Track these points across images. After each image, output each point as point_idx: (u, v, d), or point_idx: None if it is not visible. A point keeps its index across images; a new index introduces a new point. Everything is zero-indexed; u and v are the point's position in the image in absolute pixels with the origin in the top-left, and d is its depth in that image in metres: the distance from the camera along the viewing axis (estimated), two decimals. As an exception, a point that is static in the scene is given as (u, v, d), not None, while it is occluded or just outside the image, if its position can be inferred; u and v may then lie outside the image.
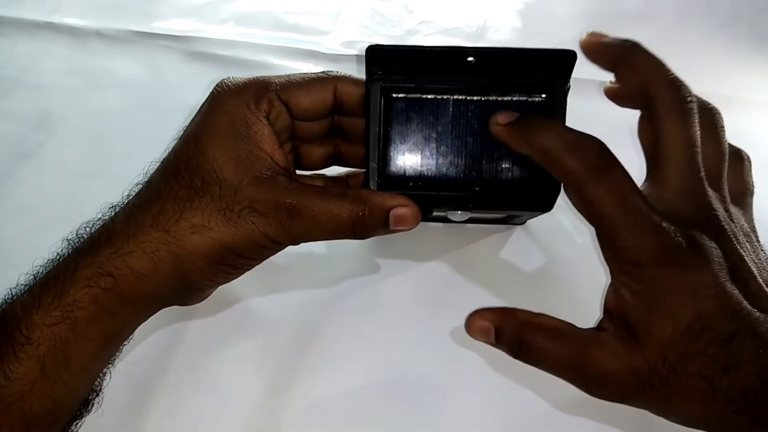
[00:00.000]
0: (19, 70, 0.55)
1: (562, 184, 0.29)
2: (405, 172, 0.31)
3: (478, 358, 0.36)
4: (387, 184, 0.30)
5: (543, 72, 0.30)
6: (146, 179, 0.30)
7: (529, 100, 0.30)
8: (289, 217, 0.27)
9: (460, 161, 0.30)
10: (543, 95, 0.30)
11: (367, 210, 0.28)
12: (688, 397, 0.24)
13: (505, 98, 0.30)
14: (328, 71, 0.32)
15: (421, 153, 0.30)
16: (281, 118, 0.30)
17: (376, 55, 0.30)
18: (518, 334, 0.27)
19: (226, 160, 0.28)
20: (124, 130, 0.49)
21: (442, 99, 0.30)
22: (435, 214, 0.32)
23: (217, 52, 0.56)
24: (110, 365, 0.29)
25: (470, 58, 0.30)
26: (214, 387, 0.35)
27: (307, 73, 0.31)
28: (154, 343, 0.35)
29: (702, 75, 0.54)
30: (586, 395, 0.33)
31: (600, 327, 0.26)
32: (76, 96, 0.52)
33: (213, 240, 0.27)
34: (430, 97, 0.30)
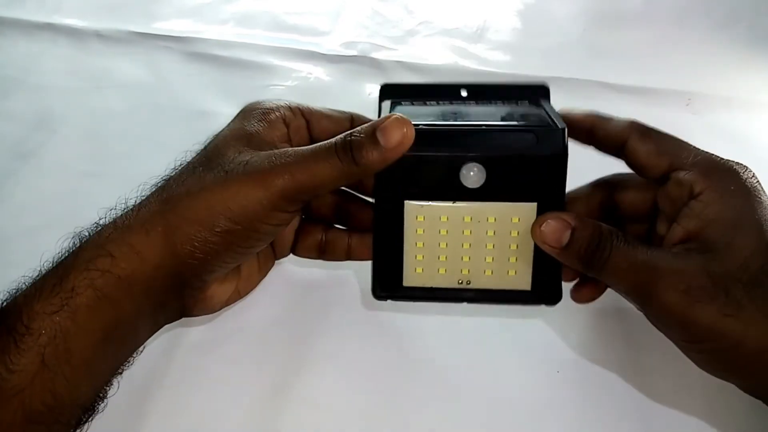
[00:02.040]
0: (20, 71, 0.55)
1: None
2: (414, 121, 0.31)
3: (478, 358, 0.36)
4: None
5: (525, 96, 0.34)
6: None
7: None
8: (284, 170, 0.27)
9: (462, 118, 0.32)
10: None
11: (354, 131, 0.28)
12: (762, 310, 0.25)
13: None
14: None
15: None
16: (300, 134, 0.32)
17: (387, 89, 0.35)
18: (596, 238, 0.28)
19: (234, 138, 0.29)
20: (123, 131, 0.50)
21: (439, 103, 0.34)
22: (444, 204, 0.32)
23: (217, 53, 0.56)
24: (118, 375, 0.29)
25: (464, 93, 0.34)
26: (214, 387, 0.35)
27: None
28: (155, 343, 0.35)
29: (702, 75, 0.54)
30: (585, 402, 0.33)
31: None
32: (77, 96, 0.52)
33: (203, 201, 0.27)
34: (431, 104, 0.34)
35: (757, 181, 0.28)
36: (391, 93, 0.34)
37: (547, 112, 0.31)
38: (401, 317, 0.37)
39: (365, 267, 0.32)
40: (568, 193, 0.31)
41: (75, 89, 0.53)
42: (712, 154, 0.29)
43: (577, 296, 0.33)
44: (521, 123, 0.31)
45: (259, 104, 0.32)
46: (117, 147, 0.48)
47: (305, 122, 0.33)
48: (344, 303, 0.38)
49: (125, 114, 0.51)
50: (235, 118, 0.32)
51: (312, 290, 0.39)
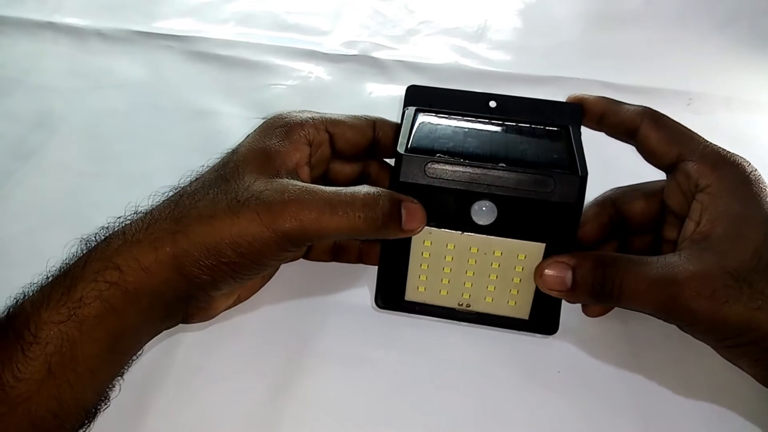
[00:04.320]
0: (20, 70, 0.55)
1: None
2: (432, 147, 0.31)
3: (479, 358, 0.36)
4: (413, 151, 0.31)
5: (554, 119, 0.33)
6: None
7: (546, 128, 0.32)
8: (294, 215, 0.27)
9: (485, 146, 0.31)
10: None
11: (382, 194, 0.28)
12: None
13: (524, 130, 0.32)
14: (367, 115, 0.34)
15: (448, 139, 0.31)
16: (322, 148, 0.32)
17: (412, 90, 0.34)
18: (599, 269, 0.27)
19: (254, 157, 0.29)
20: (124, 130, 0.49)
21: (466, 117, 0.33)
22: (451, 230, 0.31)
23: (218, 52, 0.56)
24: (119, 378, 0.29)
25: (492, 104, 0.33)
26: (214, 387, 0.35)
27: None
28: (155, 343, 0.35)
29: (702, 75, 0.54)
30: (585, 401, 0.33)
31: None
32: (77, 96, 0.52)
33: (213, 229, 0.27)
34: (455, 116, 0.33)
35: (760, 174, 0.29)
36: (417, 96, 0.34)
37: (573, 146, 0.31)
38: (403, 317, 0.38)
39: (371, 266, 0.32)
40: None
41: (75, 89, 0.53)
42: (719, 147, 0.29)
43: (588, 312, 0.33)
44: (541, 161, 0.30)
45: (283, 119, 0.32)
46: (117, 147, 0.48)
47: (328, 136, 0.33)
48: (347, 303, 0.38)
49: (125, 114, 0.51)
50: (257, 131, 0.32)
51: (314, 289, 0.39)
